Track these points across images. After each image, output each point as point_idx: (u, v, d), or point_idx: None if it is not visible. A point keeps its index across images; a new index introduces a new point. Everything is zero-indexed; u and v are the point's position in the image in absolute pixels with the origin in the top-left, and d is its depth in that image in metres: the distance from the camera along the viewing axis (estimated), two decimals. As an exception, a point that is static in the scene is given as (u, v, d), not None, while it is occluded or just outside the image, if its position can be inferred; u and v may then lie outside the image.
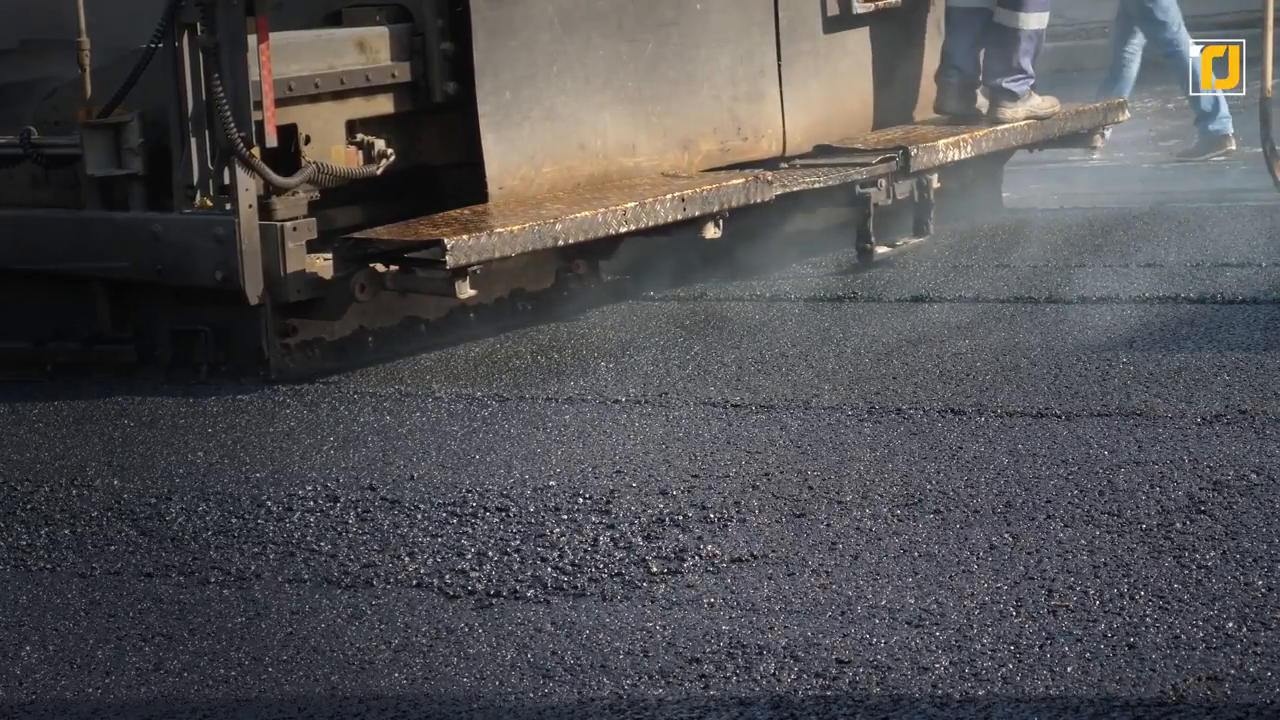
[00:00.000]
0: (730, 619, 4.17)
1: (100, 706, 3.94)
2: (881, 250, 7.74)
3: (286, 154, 6.43)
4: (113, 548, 4.91)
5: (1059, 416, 5.51)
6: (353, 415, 5.99)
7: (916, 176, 7.79)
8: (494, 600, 4.37)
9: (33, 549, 4.93)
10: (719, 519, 4.80)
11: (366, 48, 6.69)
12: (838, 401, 5.80)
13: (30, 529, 5.08)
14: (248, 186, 6.26)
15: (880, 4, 8.19)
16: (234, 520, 5.04)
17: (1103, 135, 8.90)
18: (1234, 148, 9.91)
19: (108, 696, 3.99)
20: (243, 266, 6.24)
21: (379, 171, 6.68)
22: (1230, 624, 3.96)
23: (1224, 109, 9.85)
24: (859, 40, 8.20)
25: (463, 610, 4.32)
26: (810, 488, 5.01)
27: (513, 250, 6.32)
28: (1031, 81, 8.31)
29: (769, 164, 7.61)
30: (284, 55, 6.39)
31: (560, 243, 6.47)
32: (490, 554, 4.66)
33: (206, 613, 4.41)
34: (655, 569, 4.49)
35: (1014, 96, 8.26)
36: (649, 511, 4.89)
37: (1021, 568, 4.35)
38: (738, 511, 4.85)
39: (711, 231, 6.97)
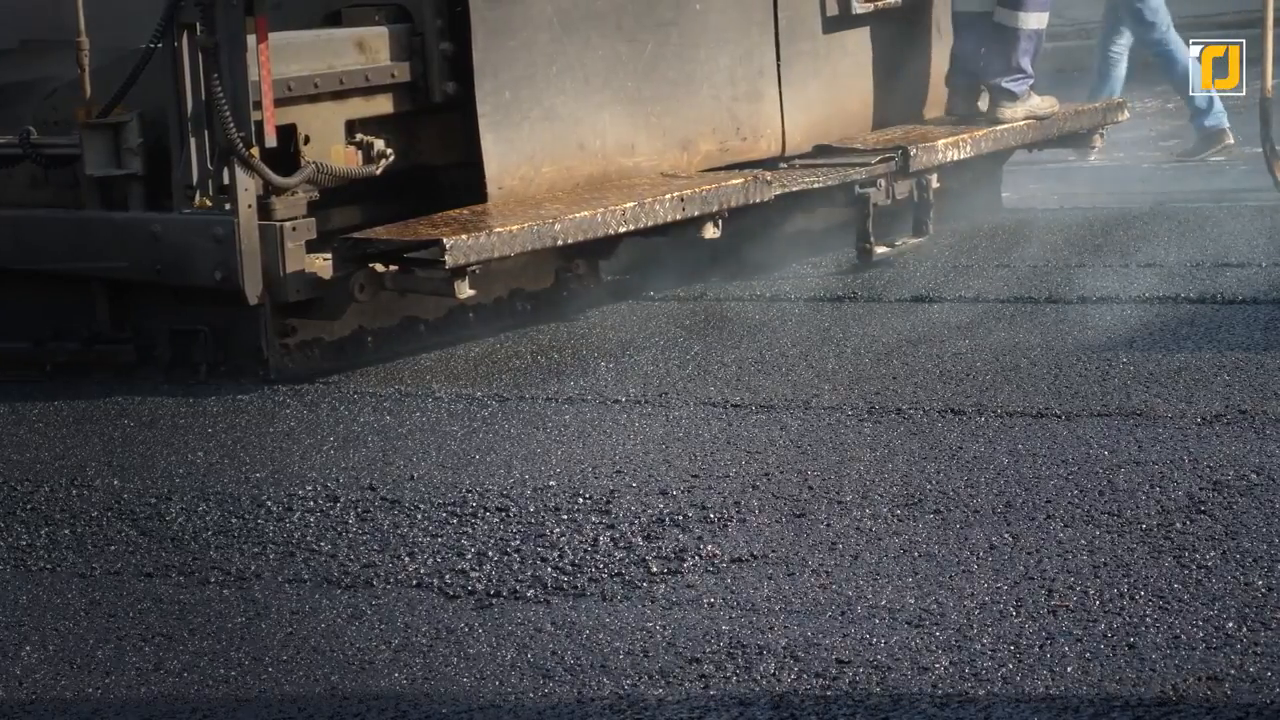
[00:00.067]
0: (730, 619, 4.17)
1: (100, 706, 3.94)
2: (881, 250, 7.74)
3: (286, 154, 6.43)
4: (113, 548, 4.91)
5: (1059, 416, 5.51)
6: (353, 415, 5.99)
7: (916, 176, 7.79)
8: (494, 600, 4.37)
9: (33, 549, 4.93)
10: (719, 519, 4.80)
11: (366, 48, 6.69)
12: (838, 401, 5.80)
13: (30, 529, 5.08)
14: (247, 186, 6.26)
15: (880, 4, 8.19)
16: (234, 520, 5.04)
17: (1101, 135, 8.90)
18: (1231, 141, 9.92)
19: (108, 696, 3.99)
20: (242, 266, 6.24)
21: (378, 171, 6.68)
22: (1230, 624, 3.96)
23: (1218, 104, 9.85)
24: (858, 40, 8.20)
25: (463, 610, 4.32)
26: (810, 488, 5.01)
27: (512, 250, 6.32)
28: (1031, 81, 8.32)
29: (768, 164, 7.61)
30: (283, 55, 6.39)
31: (559, 243, 6.47)
32: (490, 554, 4.66)
33: (206, 613, 4.41)
34: (655, 569, 4.49)
35: (1013, 96, 8.26)
36: (649, 511, 4.89)
37: (1021, 568, 4.35)
38: (738, 511, 4.85)
39: (711, 231, 6.97)
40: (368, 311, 6.58)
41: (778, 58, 7.80)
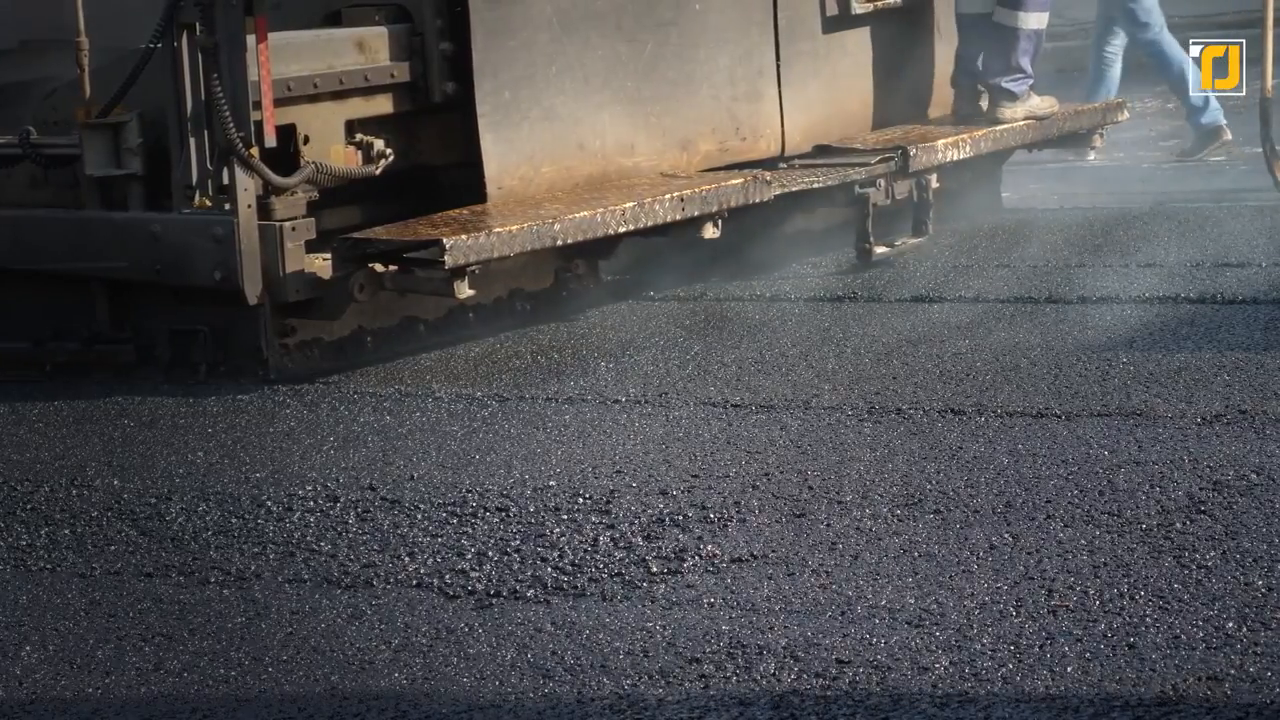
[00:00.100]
0: (730, 619, 4.17)
1: (100, 706, 3.94)
2: (881, 250, 7.74)
3: (285, 154, 6.43)
4: (113, 548, 4.91)
5: (1059, 416, 5.51)
6: (353, 415, 5.99)
7: (915, 176, 7.79)
8: (494, 600, 4.37)
9: (33, 549, 4.93)
10: (719, 519, 4.80)
11: (365, 48, 6.69)
12: (838, 401, 5.80)
13: (30, 529, 5.08)
14: (246, 186, 6.26)
15: (879, 4, 8.19)
16: (234, 520, 5.04)
17: (1101, 135, 8.90)
18: (1229, 138, 9.92)
19: (108, 696, 3.99)
20: (241, 266, 6.24)
21: (378, 171, 6.68)
22: (1230, 624, 3.96)
23: (1214, 102, 9.84)
24: (858, 40, 8.20)
25: (463, 610, 4.32)
26: (810, 488, 5.01)
27: (511, 250, 6.32)
28: (1031, 81, 8.32)
29: (768, 164, 7.61)
30: (283, 55, 6.39)
31: (559, 243, 6.47)
32: (490, 554, 4.66)
33: (206, 613, 4.41)
34: (655, 569, 4.49)
35: (1013, 96, 8.26)
36: (649, 511, 4.89)
37: (1021, 568, 4.35)
38: (738, 511, 4.85)
39: (710, 231, 6.97)
40: (367, 311, 6.58)
41: (777, 58, 7.80)
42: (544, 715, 3.75)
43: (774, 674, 3.86)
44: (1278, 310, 6.60)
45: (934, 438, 5.38)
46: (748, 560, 4.50)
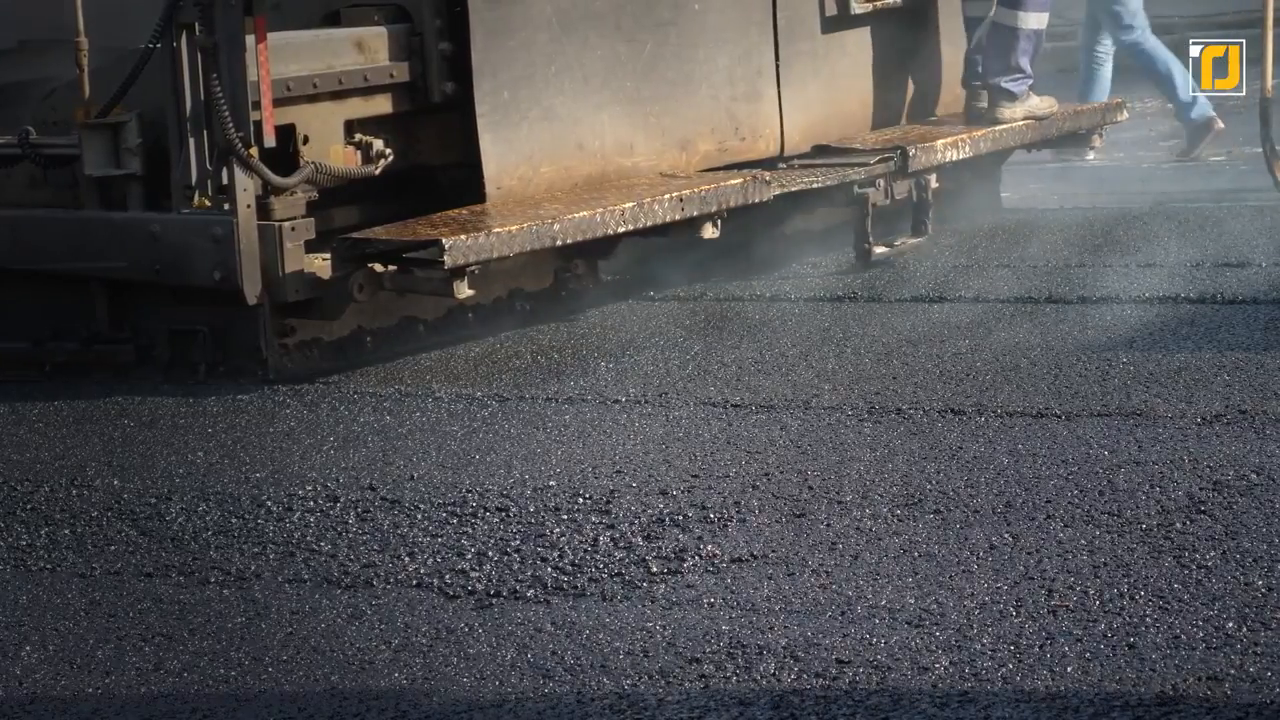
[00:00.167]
0: (730, 619, 4.16)
1: (100, 706, 3.94)
2: (880, 250, 7.74)
3: (285, 154, 6.43)
4: (113, 548, 4.90)
5: (1059, 416, 5.51)
6: (353, 415, 5.99)
7: (915, 176, 7.79)
8: (494, 600, 4.37)
9: (33, 549, 4.93)
10: (719, 519, 4.80)
11: (365, 48, 6.69)
12: (838, 401, 5.80)
13: (30, 529, 5.08)
14: (246, 186, 6.26)
15: (879, 4, 8.19)
16: (234, 520, 5.03)
17: (1101, 135, 8.90)
18: (1221, 126, 9.92)
19: (108, 696, 3.98)
20: (241, 266, 6.24)
21: (377, 171, 6.68)
22: (1230, 624, 3.96)
23: (1201, 96, 9.84)
24: (857, 40, 8.20)
25: (463, 610, 4.32)
26: (810, 488, 5.01)
27: (511, 250, 6.31)
28: (1030, 81, 8.32)
29: (767, 164, 7.61)
30: (282, 55, 6.39)
31: (558, 243, 6.47)
32: (490, 554, 4.65)
33: (206, 613, 4.41)
34: (655, 569, 4.49)
35: (1012, 96, 8.26)
36: (649, 511, 4.89)
37: (1021, 568, 4.35)
38: (738, 511, 4.85)
39: (709, 232, 6.97)
40: (367, 311, 6.58)
41: (776, 58, 7.80)
42: (544, 715, 3.75)
43: (774, 674, 3.86)
44: (1278, 310, 6.60)
45: (934, 438, 5.38)
46: (748, 560, 4.50)
